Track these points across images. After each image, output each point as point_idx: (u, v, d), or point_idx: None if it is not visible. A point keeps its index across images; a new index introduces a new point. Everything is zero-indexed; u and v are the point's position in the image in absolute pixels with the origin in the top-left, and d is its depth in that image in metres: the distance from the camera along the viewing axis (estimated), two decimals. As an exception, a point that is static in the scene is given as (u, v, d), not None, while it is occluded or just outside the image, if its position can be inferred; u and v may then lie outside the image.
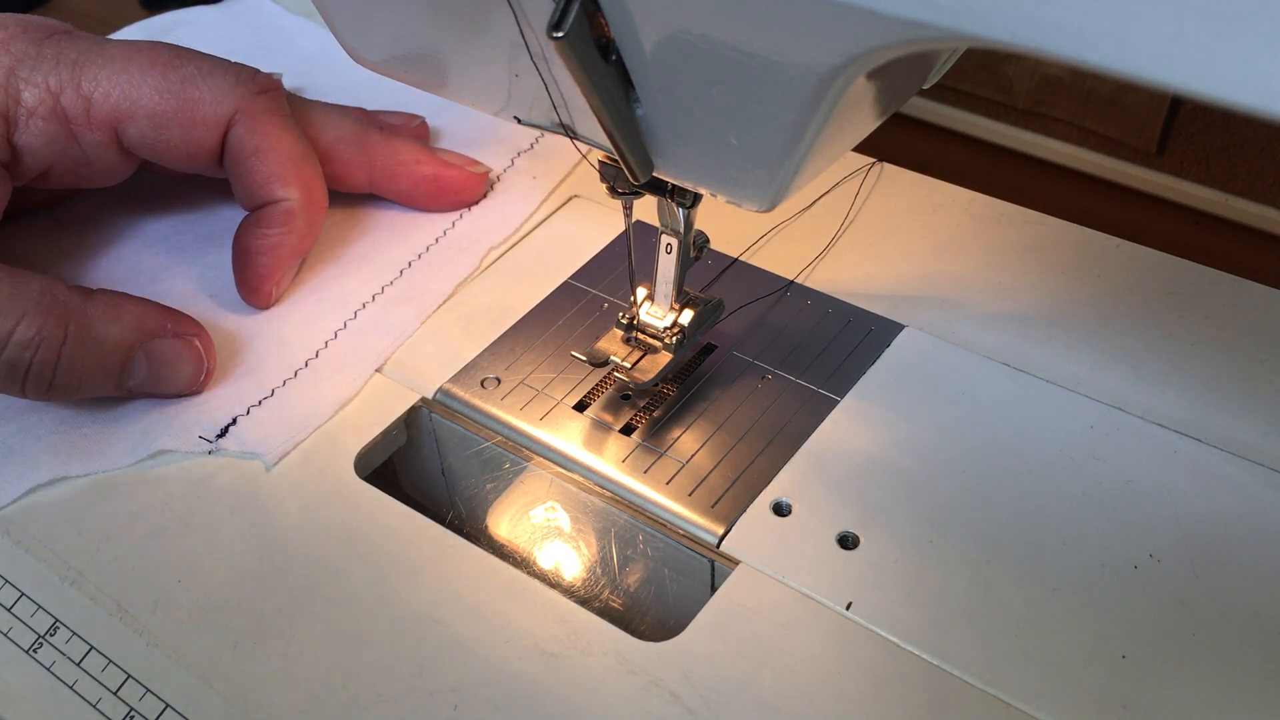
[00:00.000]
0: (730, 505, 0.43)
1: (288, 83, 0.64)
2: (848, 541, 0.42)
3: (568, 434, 0.46)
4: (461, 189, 0.55)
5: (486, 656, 0.39)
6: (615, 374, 0.47)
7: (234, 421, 0.47)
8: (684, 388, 0.48)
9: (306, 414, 0.47)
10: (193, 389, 0.48)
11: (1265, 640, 0.38)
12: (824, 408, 0.46)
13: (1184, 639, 0.38)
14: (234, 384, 0.48)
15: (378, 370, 0.49)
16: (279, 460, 0.45)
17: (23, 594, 0.42)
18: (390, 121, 0.58)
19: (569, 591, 0.43)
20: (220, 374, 0.49)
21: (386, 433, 0.47)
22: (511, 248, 0.55)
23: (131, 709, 0.39)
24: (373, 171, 0.54)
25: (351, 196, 0.57)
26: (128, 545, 0.43)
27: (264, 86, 0.50)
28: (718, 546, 0.42)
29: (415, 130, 0.58)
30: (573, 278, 0.53)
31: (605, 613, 0.40)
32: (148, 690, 0.39)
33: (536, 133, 0.59)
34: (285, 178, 0.50)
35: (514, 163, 0.58)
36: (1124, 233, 0.53)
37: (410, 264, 0.53)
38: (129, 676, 0.39)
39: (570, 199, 0.57)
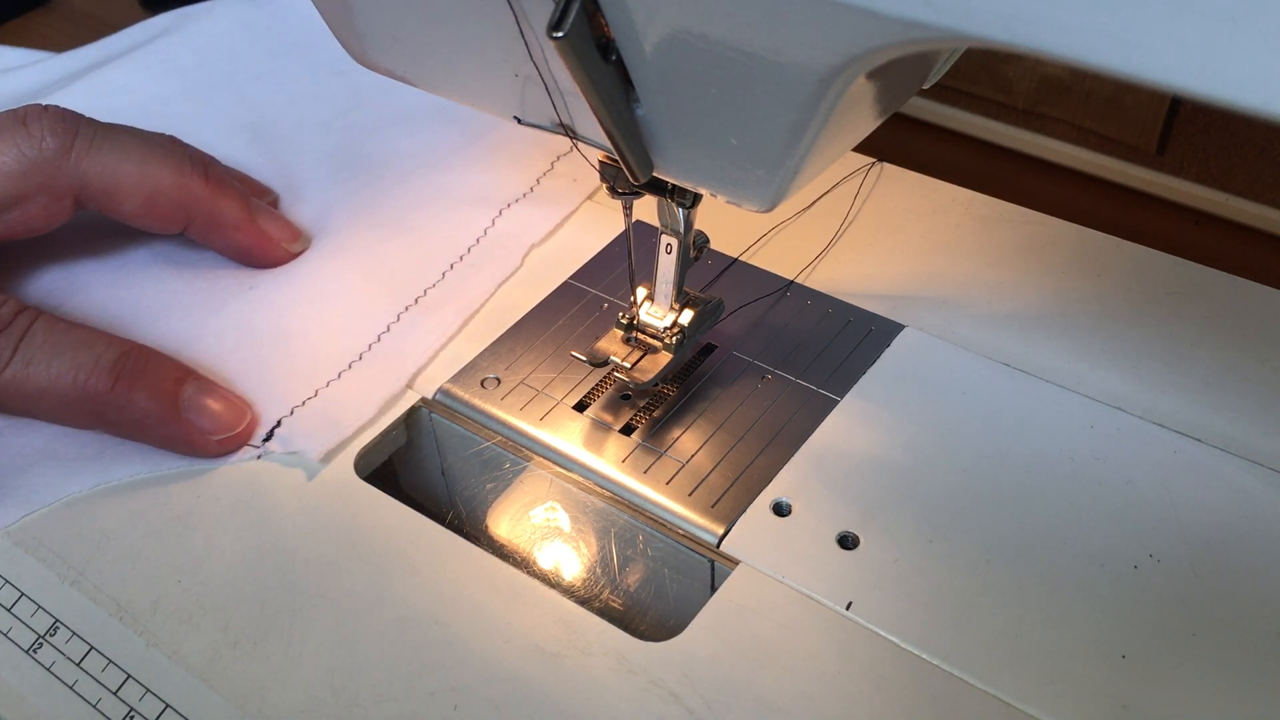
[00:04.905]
0: (730, 505, 0.43)
1: (327, 83, 0.64)
2: (848, 541, 0.42)
3: (568, 434, 0.46)
4: (270, 260, 0.54)
5: (486, 656, 0.39)
6: (615, 374, 0.47)
7: (279, 424, 0.47)
8: (684, 388, 0.48)
9: (350, 412, 0.47)
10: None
11: (1265, 640, 0.38)
12: (824, 408, 0.46)
13: (1184, 639, 0.38)
14: (277, 387, 0.48)
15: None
16: (324, 456, 0.45)
17: (23, 594, 0.42)
18: (239, 179, 0.56)
19: (569, 591, 0.43)
20: (263, 377, 0.48)
21: (386, 433, 0.47)
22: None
23: (131, 709, 0.39)
24: (190, 225, 0.52)
25: (392, 195, 0.57)
26: (128, 545, 0.43)
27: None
28: (718, 546, 0.42)
29: (269, 202, 0.57)
30: (573, 278, 0.53)
31: (605, 613, 0.40)
32: (148, 690, 0.39)
33: None
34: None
35: (554, 165, 0.59)
36: (1124, 233, 0.53)
37: (452, 265, 0.53)
38: (129, 676, 0.39)
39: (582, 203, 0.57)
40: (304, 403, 0.47)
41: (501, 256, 0.54)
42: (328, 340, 0.50)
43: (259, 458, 0.46)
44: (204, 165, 0.52)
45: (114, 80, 0.65)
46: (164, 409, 0.45)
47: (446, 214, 0.56)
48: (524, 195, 0.57)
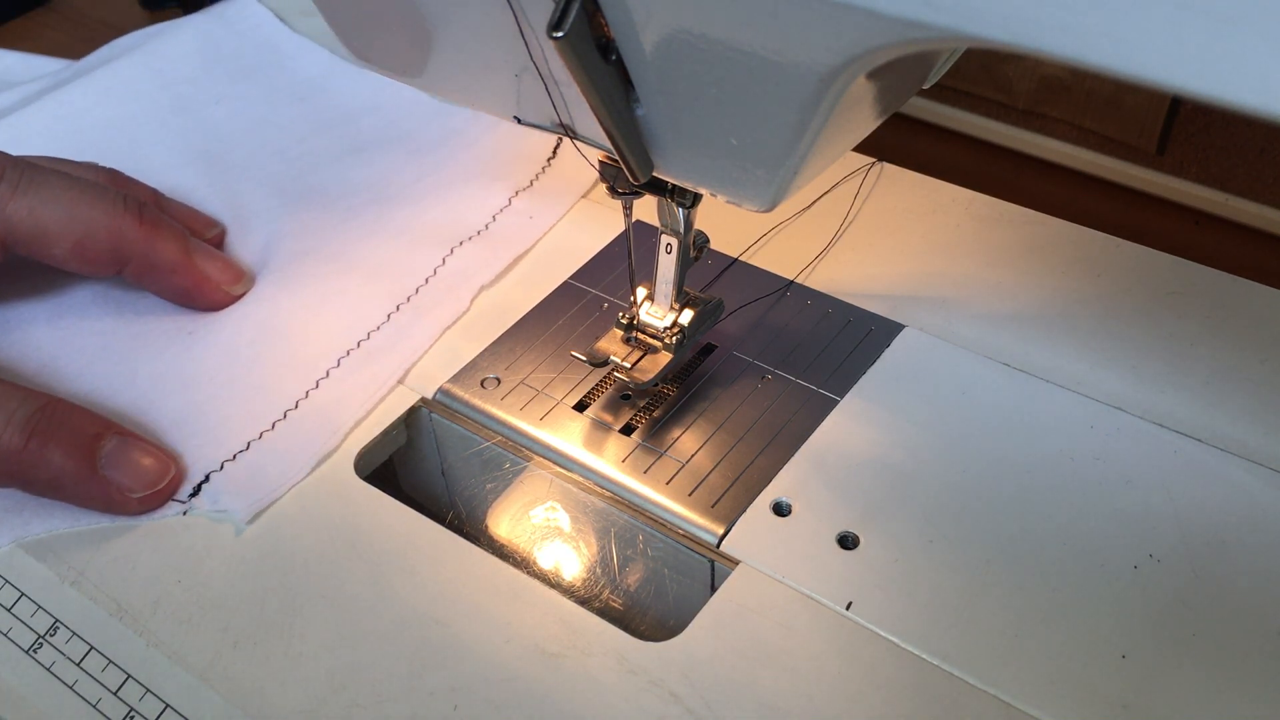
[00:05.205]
0: (730, 505, 0.43)
1: (288, 109, 0.63)
2: (848, 541, 0.42)
3: (568, 434, 0.46)
4: (210, 304, 0.52)
5: (486, 656, 0.39)
6: (615, 374, 0.47)
7: (206, 478, 0.45)
8: (684, 388, 0.48)
9: (281, 470, 0.45)
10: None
11: (1265, 640, 0.38)
12: (824, 408, 0.46)
13: (1184, 639, 0.38)
14: (209, 438, 0.46)
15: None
16: (251, 520, 0.44)
17: (23, 594, 0.42)
18: (180, 216, 0.54)
19: (569, 591, 0.43)
20: (194, 428, 0.47)
21: (386, 433, 0.47)
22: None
23: (131, 709, 0.39)
24: (125, 268, 0.50)
25: (343, 230, 0.55)
26: (128, 545, 0.43)
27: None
28: (718, 546, 0.42)
29: (211, 239, 0.55)
30: (573, 278, 0.53)
31: (605, 613, 0.40)
32: (148, 690, 0.39)
33: (536, 171, 0.58)
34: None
35: (511, 202, 0.57)
36: (1124, 233, 0.53)
37: (399, 307, 0.51)
38: (129, 676, 0.39)
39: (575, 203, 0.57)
40: (234, 456, 0.46)
41: (449, 299, 0.52)
42: (263, 389, 0.48)
43: (184, 514, 0.44)
44: (139, 205, 0.49)
45: (74, 102, 0.63)
46: (80, 466, 0.43)
47: (396, 251, 0.54)
48: (478, 232, 0.55)
